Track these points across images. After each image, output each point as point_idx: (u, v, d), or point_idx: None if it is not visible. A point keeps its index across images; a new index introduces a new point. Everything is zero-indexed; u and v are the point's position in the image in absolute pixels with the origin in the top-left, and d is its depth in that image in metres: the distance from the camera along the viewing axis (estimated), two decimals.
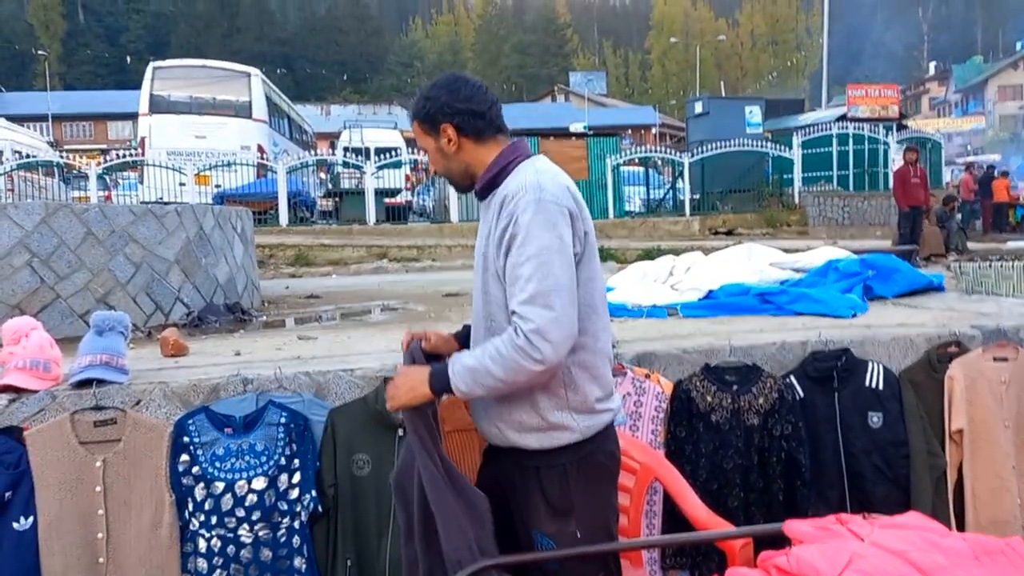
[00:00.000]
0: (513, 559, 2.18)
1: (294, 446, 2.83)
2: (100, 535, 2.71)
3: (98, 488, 2.71)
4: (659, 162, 21.89)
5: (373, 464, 2.85)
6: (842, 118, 22.88)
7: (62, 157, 18.11)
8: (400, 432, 2.78)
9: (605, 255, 13.60)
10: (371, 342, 3.97)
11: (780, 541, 2.25)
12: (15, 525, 2.65)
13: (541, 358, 1.94)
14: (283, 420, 2.84)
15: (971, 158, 34.95)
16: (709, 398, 3.23)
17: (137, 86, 18.45)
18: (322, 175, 22.28)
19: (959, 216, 15.63)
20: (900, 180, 13.87)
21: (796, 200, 19.43)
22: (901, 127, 23.50)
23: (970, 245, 14.79)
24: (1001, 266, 5.01)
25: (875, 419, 3.29)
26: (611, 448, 2.20)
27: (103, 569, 2.71)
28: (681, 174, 19.33)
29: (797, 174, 19.74)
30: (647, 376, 3.27)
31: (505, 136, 2.18)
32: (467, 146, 2.14)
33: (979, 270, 5.13)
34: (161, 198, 14.83)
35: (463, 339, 2.34)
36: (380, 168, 17.79)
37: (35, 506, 2.66)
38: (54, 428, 2.71)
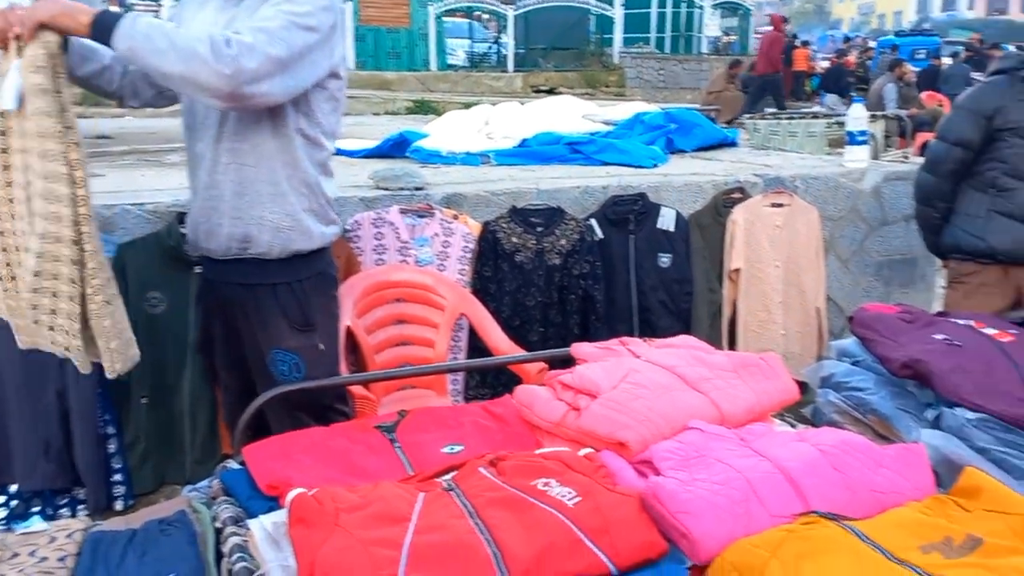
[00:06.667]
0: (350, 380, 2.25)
1: None
2: None
3: None
4: (483, 16, 21.35)
5: (168, 303, 2.74)
6: None
7: None
8: (197, 269, 2.66)
9: (426, 108, 13.30)
10: (166, 179, 3.71)
11: (572, 365, 2.42)
12: None
13: (230, 71, 1.75)
14: None
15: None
16: (515, 239, 3.33)
17: None
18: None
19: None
20: (769, 43, 14.42)
21: (615, 61, 19.64)
22: None
23: (767, 111, 15.73)
24: (789, 123, 5.39)
25: (664, 259, 3.54)
26: (332, 260, 2.29)
27: None
28: (505, 27, 18.97)
29: (618, 34, 19.82)
30: (455, 217, 3.31)
31: None
32: None
33: (768, 127, 5.50)
34: None
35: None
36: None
37: None
38: None
